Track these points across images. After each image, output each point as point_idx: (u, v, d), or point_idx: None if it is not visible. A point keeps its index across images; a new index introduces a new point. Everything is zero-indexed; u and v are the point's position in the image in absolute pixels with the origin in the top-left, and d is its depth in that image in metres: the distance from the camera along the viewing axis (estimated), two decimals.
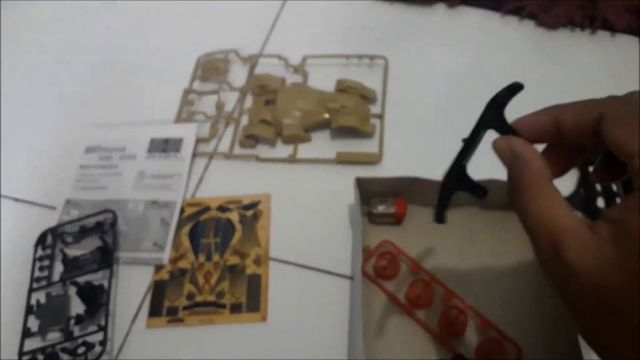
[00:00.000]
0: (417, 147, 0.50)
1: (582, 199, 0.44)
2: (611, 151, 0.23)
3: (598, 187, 0.45)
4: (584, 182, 0.45)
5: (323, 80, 0.54)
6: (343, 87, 0.52)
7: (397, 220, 0.44)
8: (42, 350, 0.41)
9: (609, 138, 0.23)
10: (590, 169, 0.46)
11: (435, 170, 0.43)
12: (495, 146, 0.27)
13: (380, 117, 0.51)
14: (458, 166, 0.29)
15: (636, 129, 0.22)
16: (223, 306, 0.42)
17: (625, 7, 0.56)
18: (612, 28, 0.56)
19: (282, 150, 0.50)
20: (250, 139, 0.50)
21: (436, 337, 0.39)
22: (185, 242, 0.45)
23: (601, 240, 0.22)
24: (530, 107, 0.54)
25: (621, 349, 0.22)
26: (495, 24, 0.58)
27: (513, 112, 0.28)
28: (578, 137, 0.25)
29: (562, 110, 0.25)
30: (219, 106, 0.53)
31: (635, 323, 0.21)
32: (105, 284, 0.43)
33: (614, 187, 0.45)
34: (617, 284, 0.21)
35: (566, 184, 0.45)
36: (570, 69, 0.54)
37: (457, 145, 0.52)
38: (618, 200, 0.44)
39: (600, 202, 0.44)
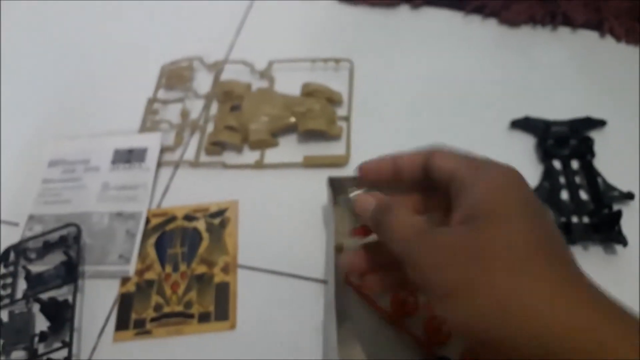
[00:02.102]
0: (384, 148, 0.48)
1: (546, 192, 0.45)
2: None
3: (561, 180, 0.45)
4: (548, 175, 0.46)
5: (289, 84, 0.54)
6: (309, 91, 0.52)
7: None
8: None
9: (436, 166, 0.30)
10: (554, 163, 0.46)
11: None
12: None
13: (347, 119, 0.51)
14: None
15: (455, 158, 0.30)
16: (191, 316, 0.41)
17: (583, 3, 0.57)
18: (572, 23, 0.57)
19: (249, 156, 0.50)
20: (216, 146, 0.50)
21: (422, 346, 0.38)
22: (152, 253, 0.45)
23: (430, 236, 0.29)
24: (499, 103, 0.54)
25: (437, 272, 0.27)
26: (458, 23, 0.59)
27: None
28: (411, 172, 0.32)
29: (398, 156, 0.33)
30: (184, 114, 0.53)
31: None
32: (70, 299, 0.42)
33: (577, 180, 0.45)
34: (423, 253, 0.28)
35: (531, 177, 0.46)
36: (534, 65, 0.55)
37: (424, 144, 0.51)
38: (581, 192, 0.45)
39: (564, 195, 0.45)
